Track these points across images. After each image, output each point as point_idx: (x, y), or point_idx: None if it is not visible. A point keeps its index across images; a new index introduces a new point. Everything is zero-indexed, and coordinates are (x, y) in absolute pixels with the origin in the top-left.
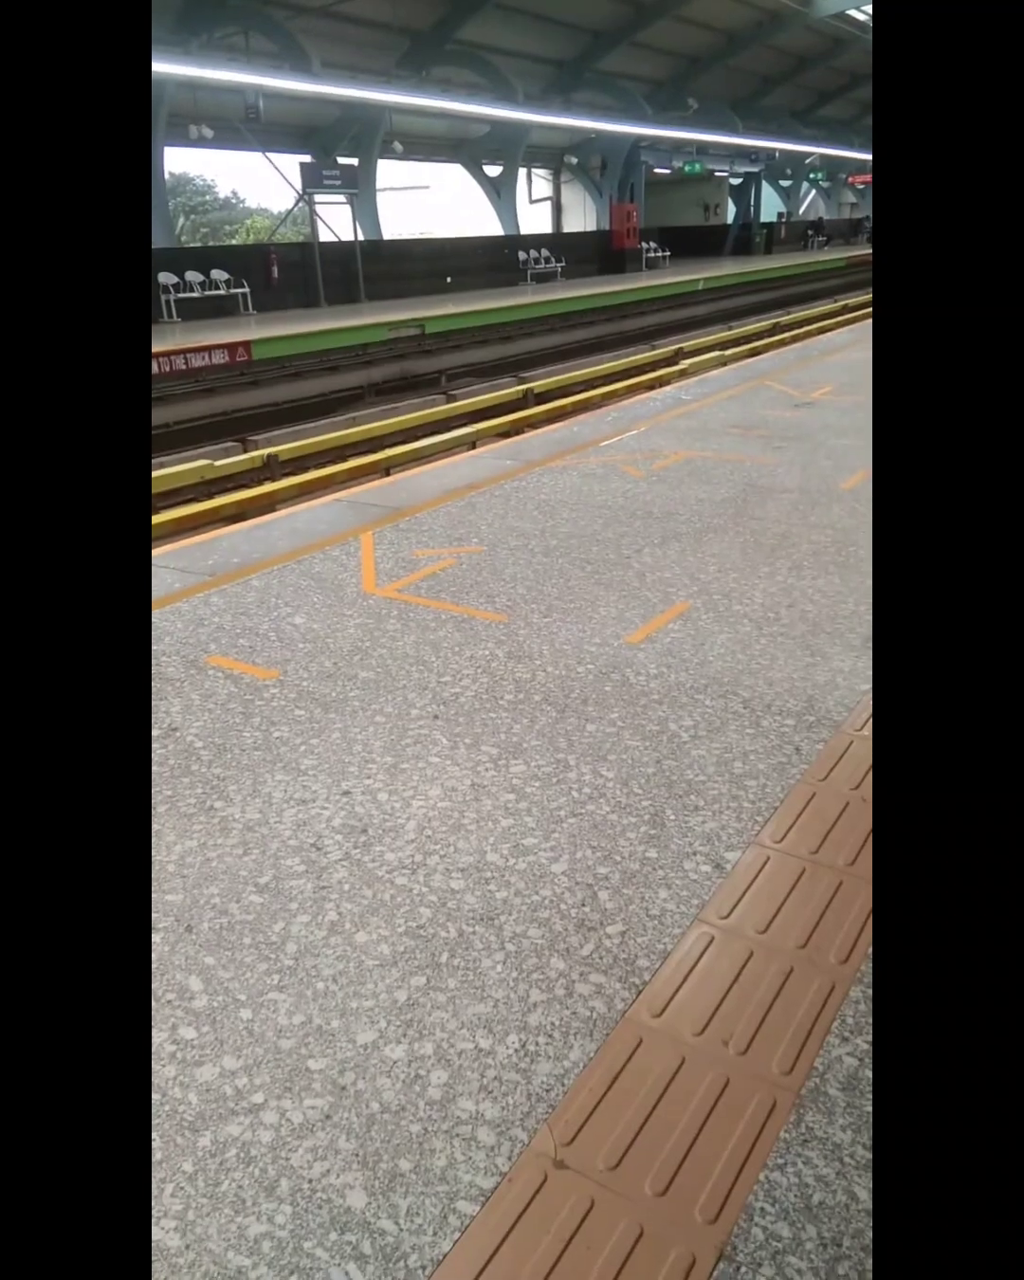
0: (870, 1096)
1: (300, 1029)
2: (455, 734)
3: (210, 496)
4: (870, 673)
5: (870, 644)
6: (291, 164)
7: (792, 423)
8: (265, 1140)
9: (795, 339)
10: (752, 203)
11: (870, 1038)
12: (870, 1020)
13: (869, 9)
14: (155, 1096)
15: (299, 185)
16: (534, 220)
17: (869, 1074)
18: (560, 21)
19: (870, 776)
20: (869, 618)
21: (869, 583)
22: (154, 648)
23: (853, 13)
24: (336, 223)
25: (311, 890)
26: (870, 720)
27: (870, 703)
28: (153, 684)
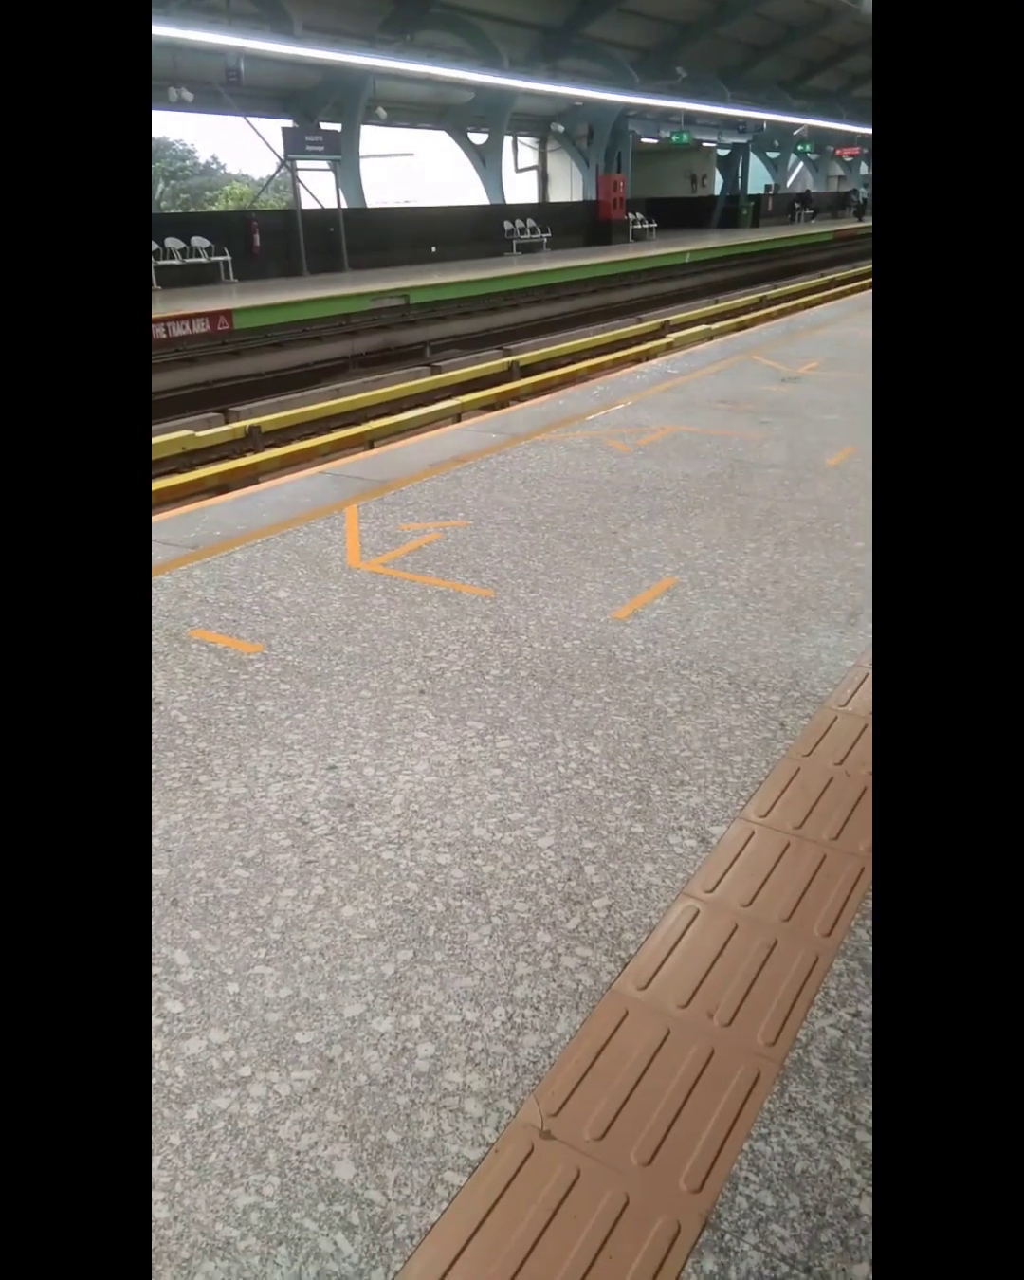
0: (852, 1067)
1: (287, 1002)
2: (441, 709)
3: (192, 468)
4: (854, 648)
5: (854, 619)
6: (273, 129)
7: (779, 397)
8: (253, 1113)
9: (782, 313)
10: (739, 174)
11: (853, 1009)
12: (853, 991)
13: None
14: None
15: (281, 151)
16: (520, 190)
17: (851, 1045)
18: None
19: (853, 751)
20: (854, 593)
21: (853, 559)
22: None
23: None
24: (319, 190)
25: (298, 864)
26: (854, 695)
27: (854, 678)
28: None
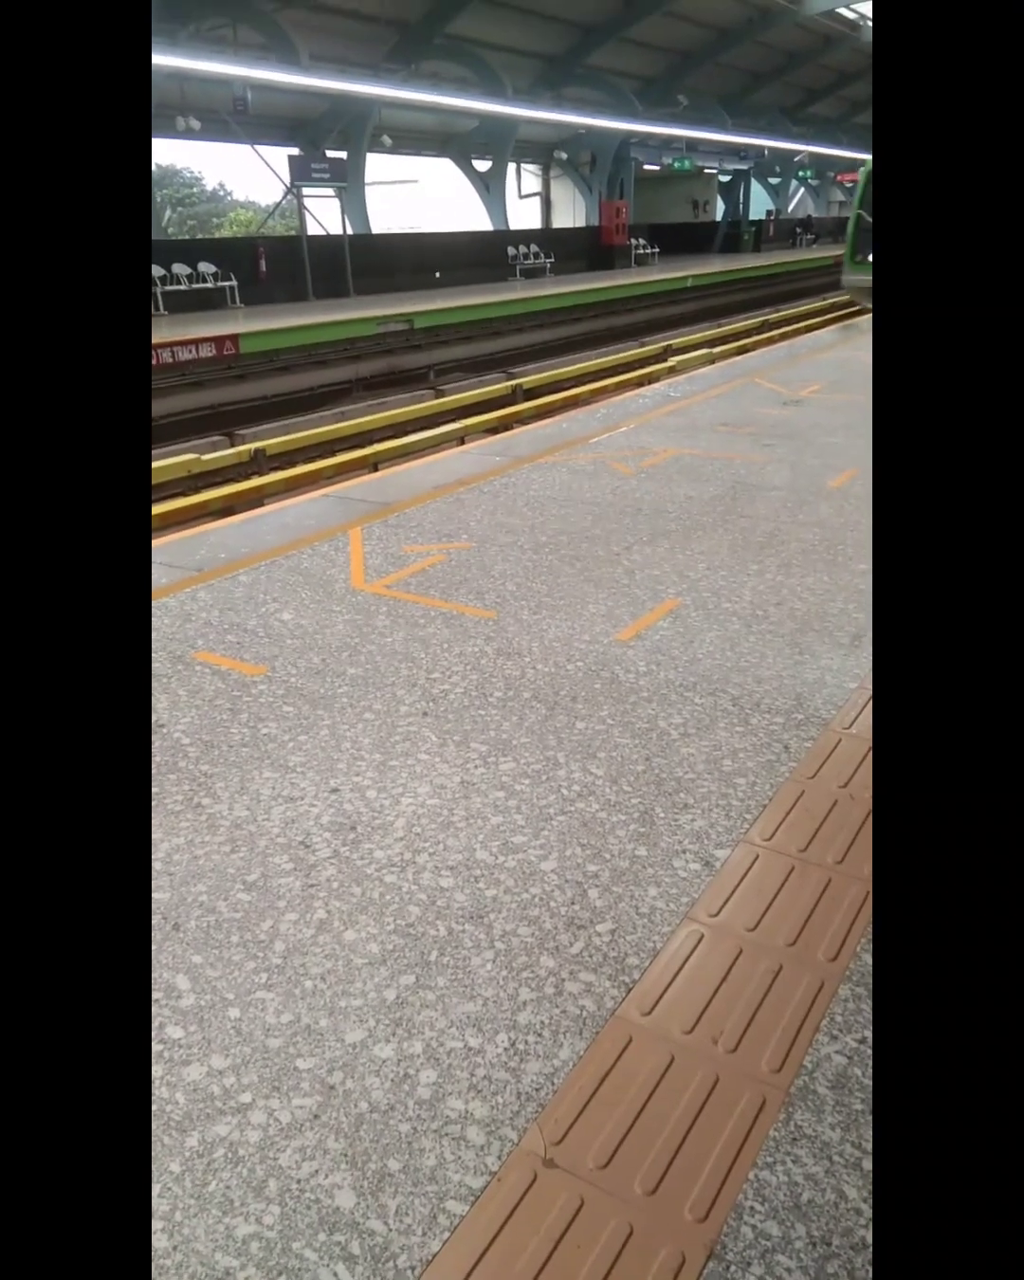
0: (859, 1094)
1: (289, 1028)
2: (445, 731)
3: (197, 491)
4: (858, 670)
5: (858, 642)
6: (280, 156)
7: (780, 420)
8: (253, 1140)
9: (784, 337)
10: (741, 200)
11: (859, 1035)
12: (859, 1017)
13: (859, 7)
14: None
15: (288, 178)
16: (524, 216)
17: (858, 1072)
18: (550, 16)
19: (858, 774)
20: (857, 616)
21: (857, 581)
22: None
23: (842, 11)
24: (325, 216)
25: (300, 888)
26: (858, 718)
27: (859, 700)
28: None
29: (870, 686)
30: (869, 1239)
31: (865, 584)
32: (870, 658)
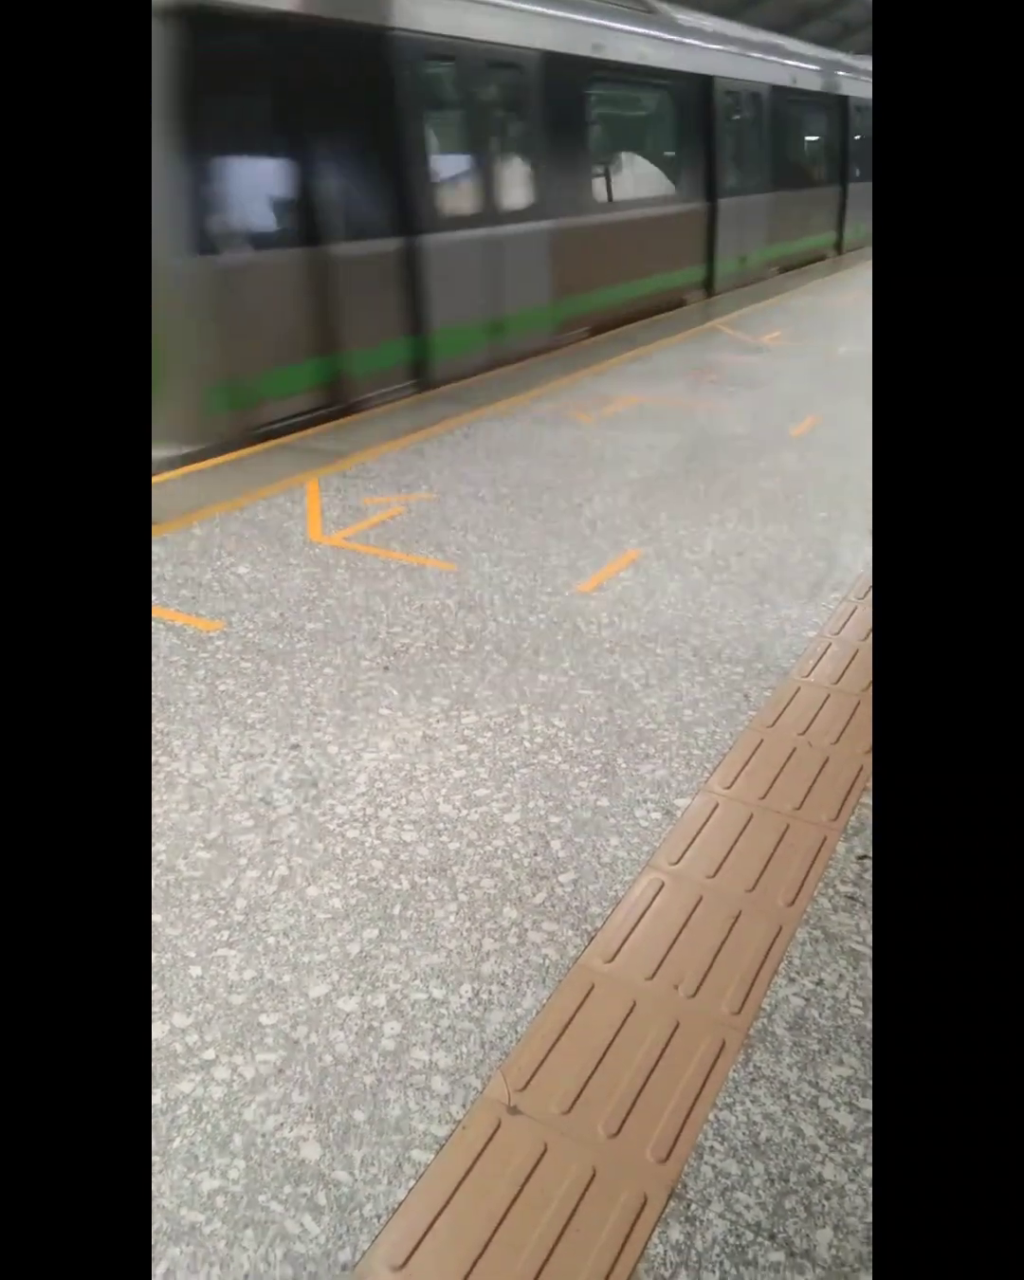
0: (815, 1035)
1: (251, 984)
2: (406, 685)
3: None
4: (817, 620)
5: (817, 591)
6: None
7: (742, 367)
8: (217, 1096)
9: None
10: None
11: (816, 978)
12: (816, 960)
13: None
14: None
15: None
16: None
17: (814, 1013)
18: None
19: (816, 722)
20: (817, 565)
21: (816, 530)
22: None
23: None
24: None
25: (261, 845)
26: (816, 667)
27: (817, 649)
28: None
29: (829, 634)
30: (825, 1175)
31: (825, 532)
32: (828, 606)
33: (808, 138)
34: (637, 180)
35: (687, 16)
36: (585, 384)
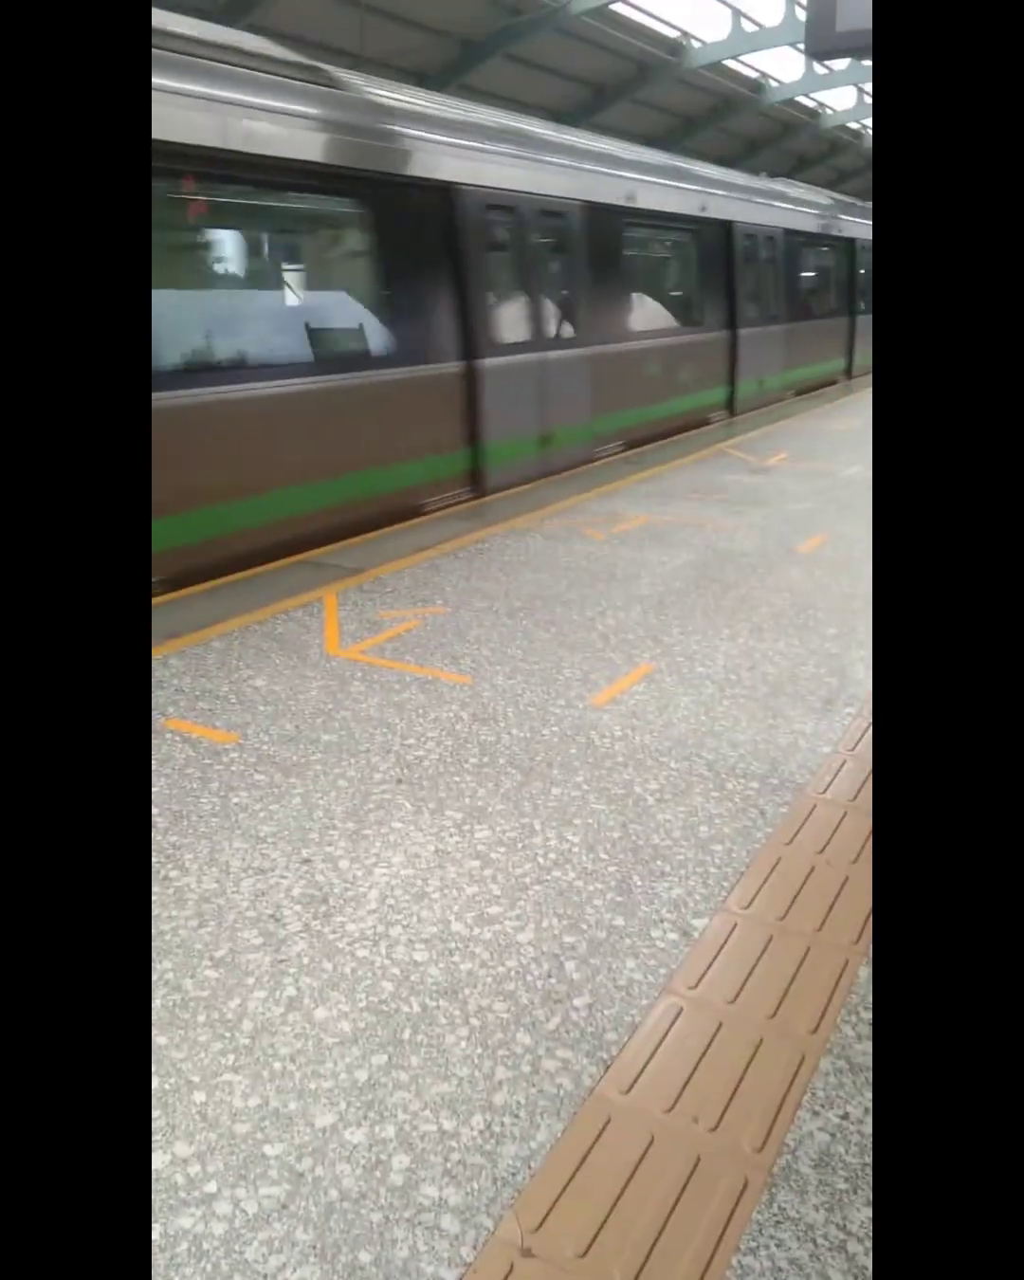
0: (841, 1173)
1: (256, 1112)
2: (419, 798)
3: None
4: (831, 735)
5: (830, 706)
6: None
7: (749, 487)
8: (218, 1232)
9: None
10: None
11: (840, 1111)
12: (841, 1092)
13: (818, 96)
14: None
15: None
16: None
17: (840, 1149)
18: (526, 103)
19: (834, 839)
20: (828, 680)
21: (827, 645)
22: None
23: (801, 99)
24: None
25: (269, 964)
26: (833, 782)
27: (832, 765)
28: None
29: (845, 752)
30: None
31: (836, 648)
32: (843, 723)
33: (816, 274)
34: (665, 311)
35: (705, 169)
36: (596, 503)
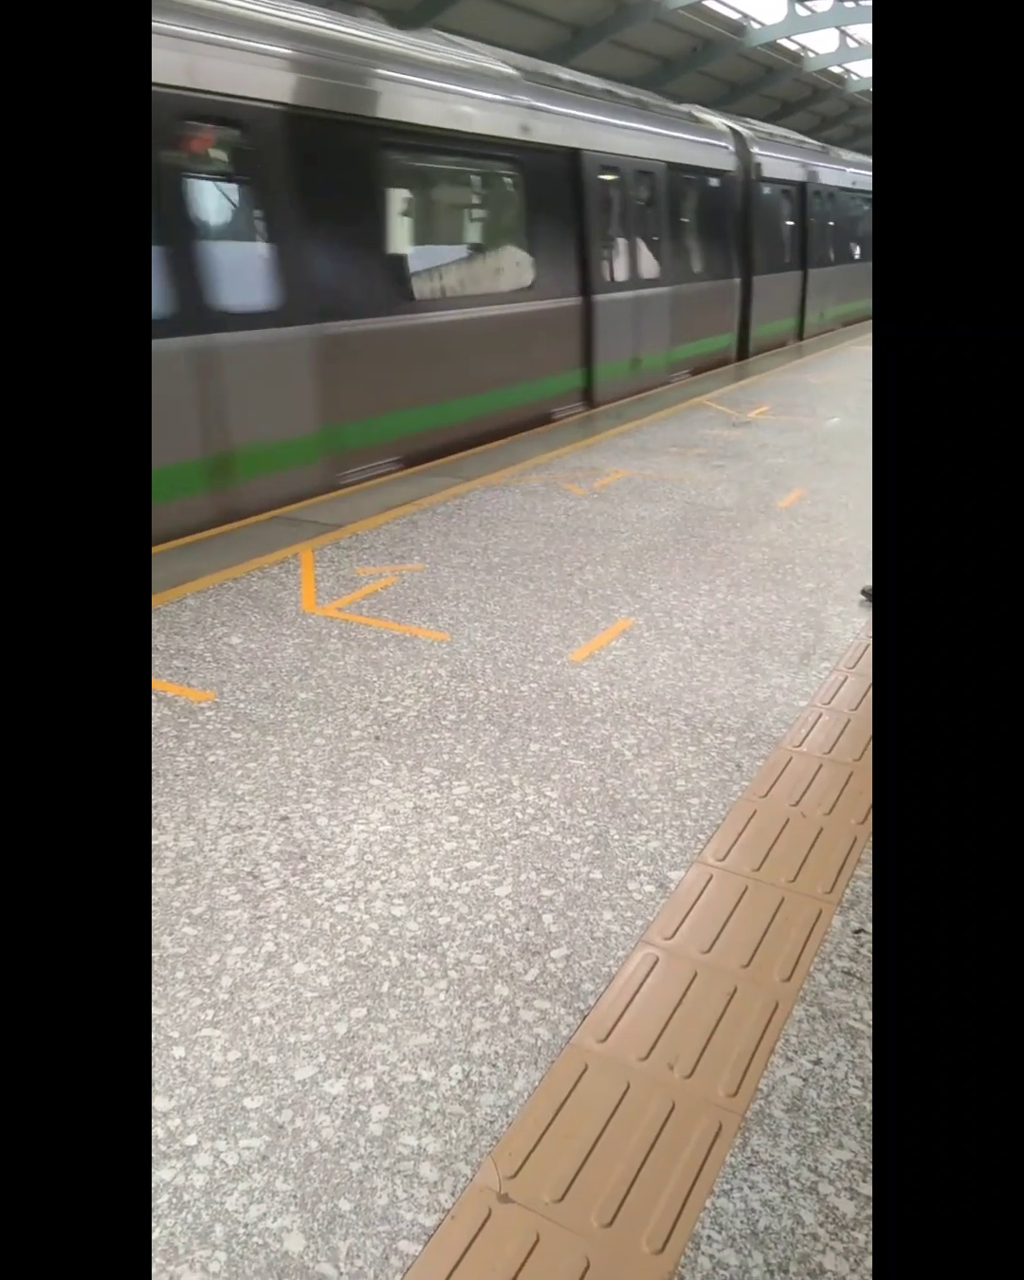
0: (814, 1117)
1: (236, 1066)
2: (397, 755)
3: None
4: (807, 689)
5: (806, 660)
6: None
7: (729, 441)
8: (199, 1184)
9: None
10: None
11: (813, 1057)
12: (813, 1038)
13: (800, 38)
14: None
15: None
16: None
17: (812, 1094)
18: (501, 43)
19: (809, 792)
20: (805, 634)
21: (805, 599)
22: None
23: (784, 42)
24: None
25: (248, 920)
26: (808, 736)
27: (808, 718)
28: None
29: (820, 704)
30: (826, 1264)
31: (813, 603)
32: (818, 676)
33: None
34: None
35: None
36: (576, 457)
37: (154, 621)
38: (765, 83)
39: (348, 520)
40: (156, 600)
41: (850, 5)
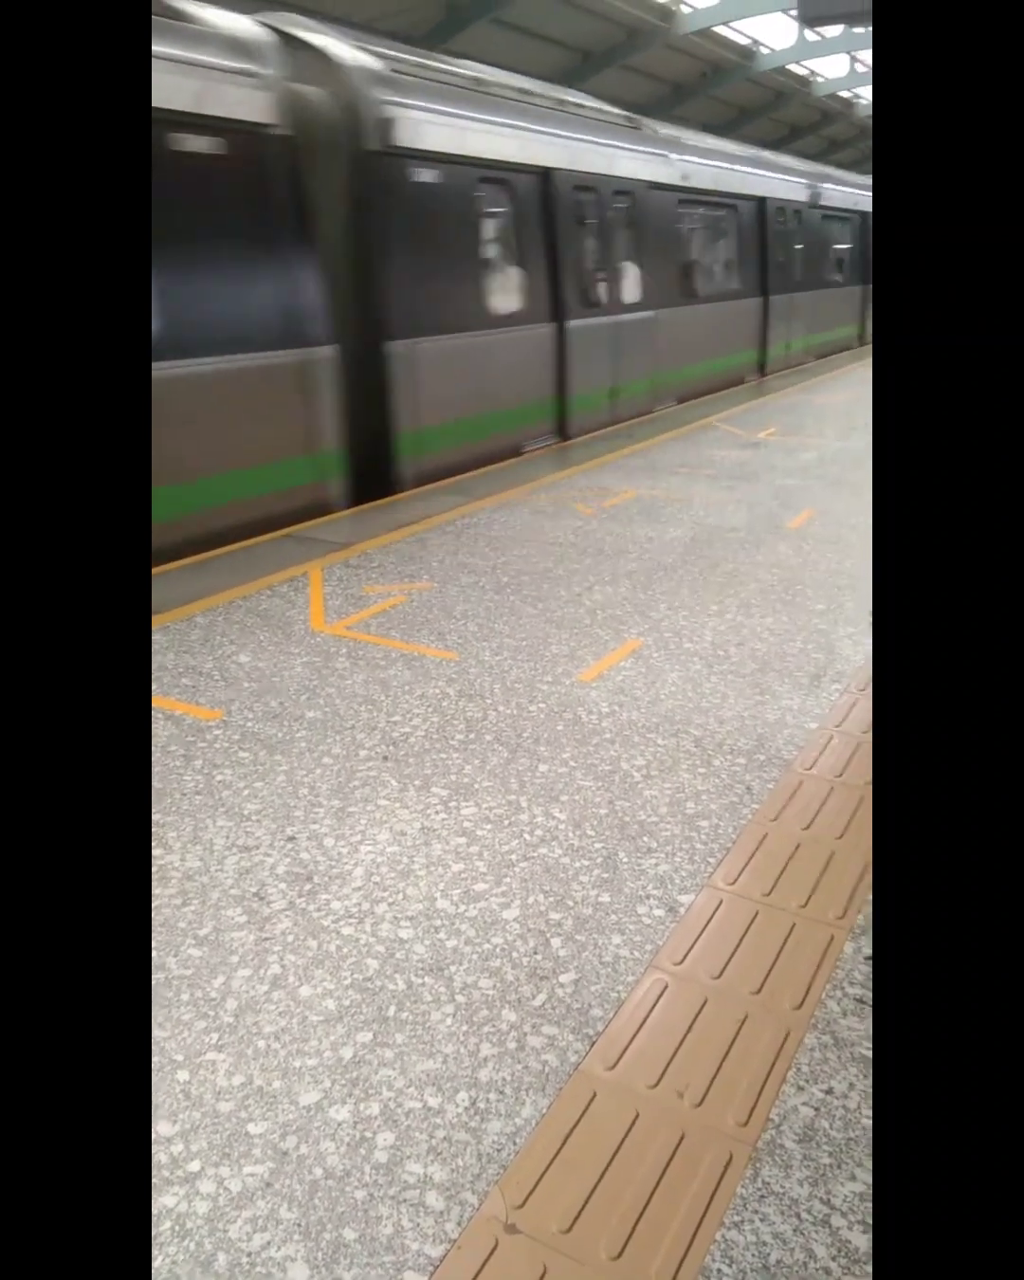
0: (826, 1148)
1: (240, 1091)
2: (405, 775)
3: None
4: (818, 711)
5: (817, 682)
6: None
7: (738, 462)
8: (202, 1211)
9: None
10: None
11: (825, 1086)
12: (825, 1067)
13: (811, 63)
14: None
15: None
16: None
17: (825, 1124)
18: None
19: (820, 816)
20: (816, 656)
21: (815, 621)
22: None
23: (793, 67)
24: None
25: (254, 942)
26: (819, 759)
27: (819, 741)
28: None
29: (831, 727)
30: None
31: (823, 624)
32: (829, 698)
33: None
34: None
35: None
36: (585, 477)
37: (163, 640)
38: (774, 107)
39: (357, 539)
40: (166, 619)
41: (860, 31)
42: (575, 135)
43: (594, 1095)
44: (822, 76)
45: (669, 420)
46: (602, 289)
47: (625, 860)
